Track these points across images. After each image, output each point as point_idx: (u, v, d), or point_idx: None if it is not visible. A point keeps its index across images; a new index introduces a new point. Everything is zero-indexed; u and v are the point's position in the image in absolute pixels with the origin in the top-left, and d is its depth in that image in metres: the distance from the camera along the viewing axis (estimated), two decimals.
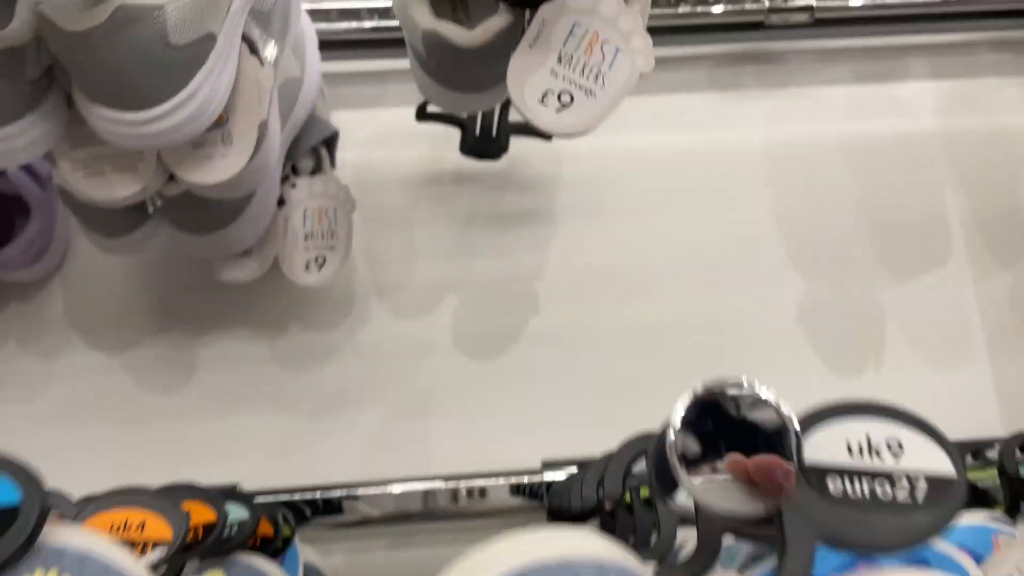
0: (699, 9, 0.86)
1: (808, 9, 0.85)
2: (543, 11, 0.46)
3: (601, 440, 0.53)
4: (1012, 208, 0.89)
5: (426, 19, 0.48)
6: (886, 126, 0.91)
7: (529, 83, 0.45)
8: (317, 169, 0.75)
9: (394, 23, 0.80)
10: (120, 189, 0.52)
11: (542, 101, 0.45)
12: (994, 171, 0.89)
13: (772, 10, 0.86)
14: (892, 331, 0.85)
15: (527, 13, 0.48)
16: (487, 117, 0.76)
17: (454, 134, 0.76)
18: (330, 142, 0.76)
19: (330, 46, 0.82)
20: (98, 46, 0.43)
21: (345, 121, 0.84)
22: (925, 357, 0.85)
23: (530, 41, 0.46)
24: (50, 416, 0.79)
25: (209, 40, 0.48)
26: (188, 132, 0.49)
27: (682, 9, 0.84)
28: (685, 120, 0.90)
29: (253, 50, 0.54)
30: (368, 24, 0.84)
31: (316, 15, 0.81)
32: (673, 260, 0.85)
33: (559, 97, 0.45)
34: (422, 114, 0.77)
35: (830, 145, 0.90)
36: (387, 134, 0.87)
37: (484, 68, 0.50)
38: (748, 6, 0.86)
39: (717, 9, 0.86)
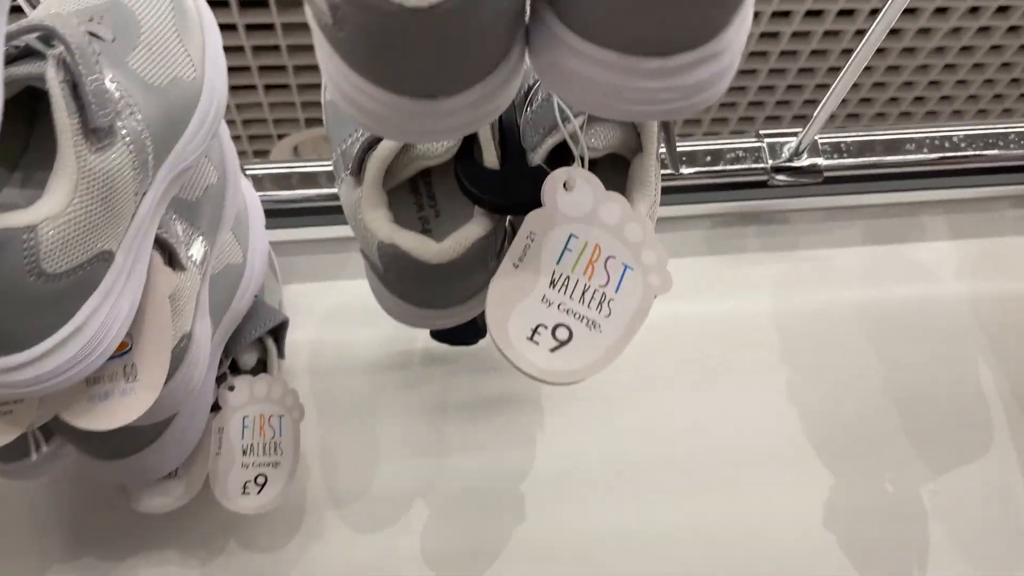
0: (697, 169, 0.78)
1: (815, 170, 0.77)
2: (531, 220, 0.36)
3: None
4: None
5: (383, 229, 0.38)
6: (906, 291, 0.82)
7: (515, 315, 0.35)
8: (261, 364, 0.64)
9: None
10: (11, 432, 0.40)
11: (531, 338, 0.34)
12: None
13: (776, 169, 0.78)
14: (934, 532, 0.73)
15: (508, 221, 0.38)
16: None
17: None
18: (278, 331, 0.65)
19: (282, 213, 0.73)
20: None
21: (298, 295, 0.74)
22: (976, 563, 0.72)
23: (515, 259, 0.36)
24: None
25: (103, 259, 0.37)
26: (75, 375, 0.37)
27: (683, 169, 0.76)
28: (682, 288, 0.80)
29: (171, 258, 0.43)
30: (326, 191, 0.74)
31: (277, 180, 0.72)
32: (676, 452, 0.74)
33: (554, 332, 0.35)
34: None
35: (846, 314, 0.80)
36: (347, 309, 0.77)
37: (455, 284, 0.39)
38: (751, 165, 0.78)
39: (717, 168, 0.78)
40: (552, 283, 0.35)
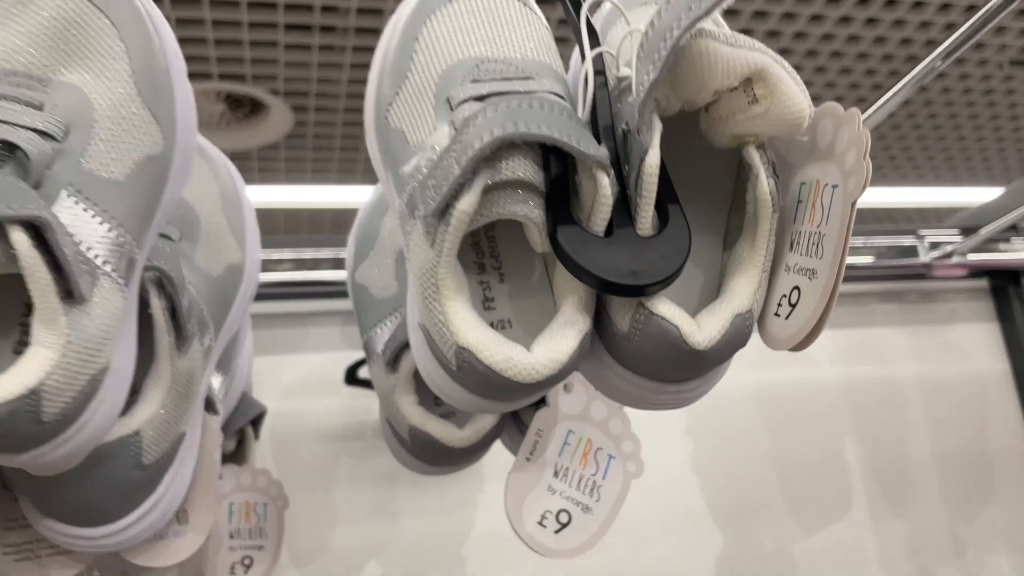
0: None
1: None
2: (538, 419, 0.45)
3: None
4: (902, 456, 0.96)
5: (416, 417, 0.46)
6: (792, 374, 0.96)
7: (527, 504, 0.44)
8: (239, 450, 0.70)
9: (318, 275, 0.78)
10: (54, 571, 0.47)
11: (540, 523, 0.44)
12: (886, 419, 0.96)
13: None
14: None
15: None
16: None
17: None
18: (256, 420, 0.71)
19: None
20: (67, 478, 0.39)
21: (261, 367, 0.80)
22: None
23: (527, 453, 0.45)
24: None
25: (180, 440, 0.44)
26: (151, 534, 0.44)
27: None
28: None
29: (210, 405, 0.50)
30: (291, 275, 0.80)
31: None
32: None
33: (557, 517, 0.44)
34: (352, 379, 0.75)
35: (745, 392, 0.94)
36: (306, 382, 0.83)
37: (470, 456, 0.48)
38: None
39: None
40: (555, 474, 0.45)
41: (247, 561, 0.66)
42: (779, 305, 0.33)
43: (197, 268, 0.44)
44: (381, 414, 0.52)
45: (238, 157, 1.78)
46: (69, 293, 0.31)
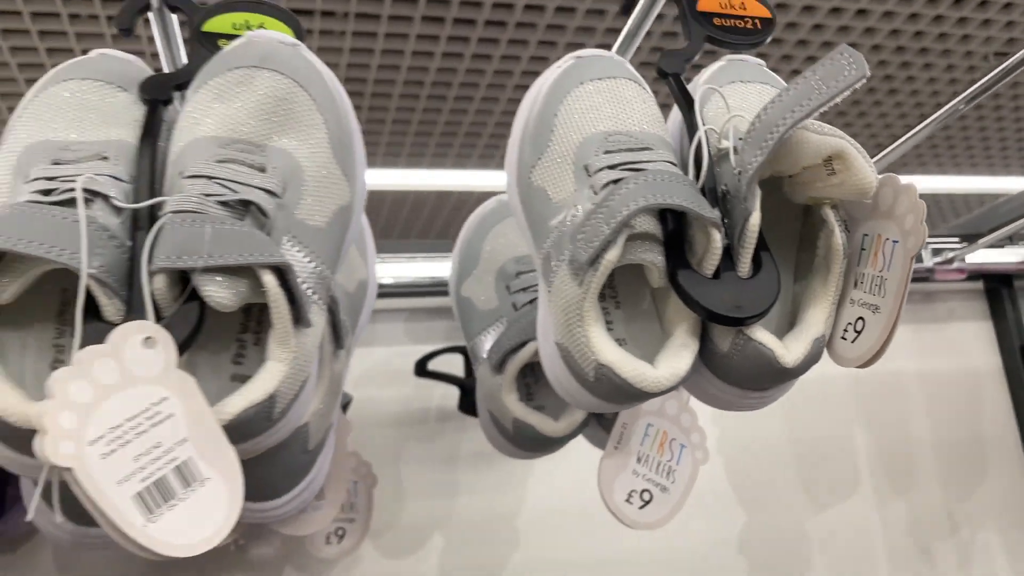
0: None
1: None
2: (623, 415, 0.54)
3: None
4: (904, 442, 1.06)
5: (519, 411, 0.55)
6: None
7: (616, 485, 0.53)
8: None
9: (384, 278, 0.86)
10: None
11: (627, 500, 0.53)
12: (890, 408, 1.06)
13: None
14: (814, 556, 0.98)
15: None
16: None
17: None
18: (344, 406, 0.80)
19: None
20: (250, 461, 0.47)
21: None
22: (843, 574, 0.98)
23: (615, 443, 0.54)
24: None
25: (329, 430, 0.52)
26: (302, 508, 0.53)
27: None
28: None
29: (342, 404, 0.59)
30: None
31: None
32: None
33: (641, 495, 0.54)
34: (422, 371, 0.84)
35: None
36: (375, 373, 0.92)
37: (560, 443, 0.58)
38: None
39: None
40: (638, 460, 0.54)
41: (340, 532, 0.75)
42: (845, 331, 0.42)
43: (339, 286, 0.52)
44: (481, 407, 0.61)
45: None
46: (298, 319, 0.39)
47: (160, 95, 0.43)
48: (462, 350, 0.86)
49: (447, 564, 0.88)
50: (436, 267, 0.88)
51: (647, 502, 0.53)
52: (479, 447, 0.93)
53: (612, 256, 0.38)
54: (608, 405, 0.43)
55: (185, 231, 0.37)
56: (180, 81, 0.44)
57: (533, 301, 0.57)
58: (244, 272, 0.38)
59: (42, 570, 0.79)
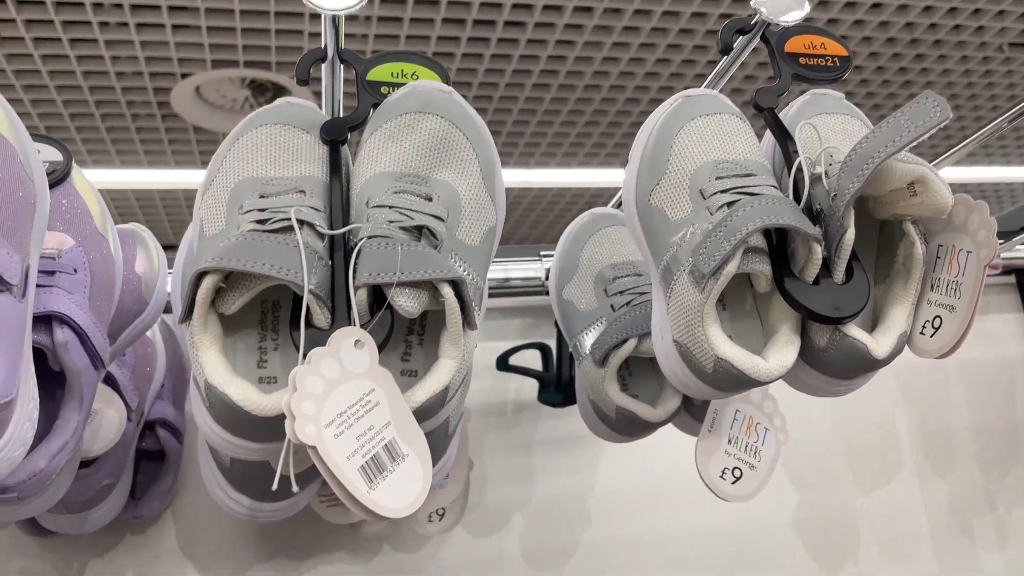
0: None
1: None
2: (715, 401, 0.62)
3: None
4: (945, 427, 1.13)
5: (621, 399, 0.63)
6: None
7: (711, 463, 0.61)
8: None
9: None
10: (353, 516, 0.64)
11: (721, 476, 0.61)
12: (931, 395, 1.13)
13: None
14: (862, 533, 1.06)
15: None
16: (563, 372, 0.91)
17: None
18: None
19: None
20: None
21: None
22: (888, 552, 1.06)
23: (708, 426, 0.62)
24: None
25: (462, 415, 0.60)
26: (435, 484, 0.61)
27: None
28: None
29: None
30: None
31: None
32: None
33: (732, 472, 0.61)
34: (503, 365, 0.92)
35: None
36: None
37: (655, 428, 0.65)
38: None
39: None
40: (729, 441, 0.62)
41: (440, 512, 0.83)
42: (923, 327, 0.50)
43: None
44: (582, 397, 0.69)
45: None
46: (467, 323, 0.47)
47: (339, 136, 0.51)
48: (540, 346, 0.94)
49: (527, 543, 0.97)
50: (509, 269, 0.95)
51: (738, 478, 0.61)
52: (552, 435, 1.01)
53: (731, 268, 0.46)
54: (719, 393, 0.51)
55: (381, 253, 0.45)
56: (353, 124, 0.51)
57: (629, 303, 0.65)
58: (425, 285, 0.46)
59: (168, 549, 0.88)
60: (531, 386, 0.98)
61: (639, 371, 0.67)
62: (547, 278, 0.94)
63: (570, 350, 0.68)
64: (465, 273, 0.49)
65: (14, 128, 0.47)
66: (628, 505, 1.00)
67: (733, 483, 0.61)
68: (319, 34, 1.48)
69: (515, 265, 0.90)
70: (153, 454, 0.82)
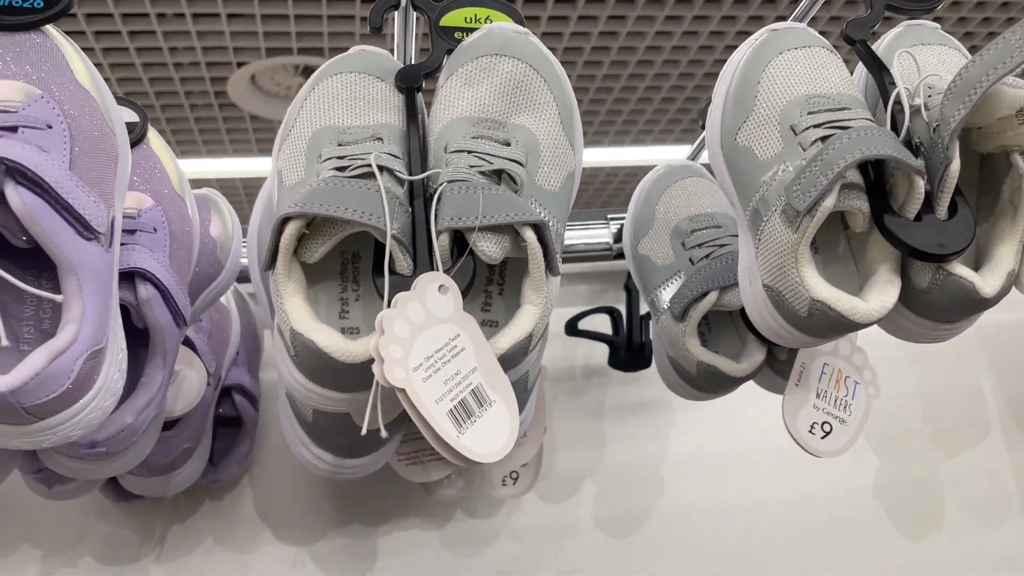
0: None
1: None
2: (801, 355, 0.60)
3: None
4: None
5: (704, 355, 0.61)
6: None
7: (800, 417, 0.59)
8: None
9: None
10: (434, 473, 0.63)
11: (810, 431, 0.59)
12: (1015, 358, 1.08)
13: None
14: (947, 500, 1.02)
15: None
16: (634, 335, 0.89)
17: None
18: None
19: None
20: None
21: None
22: (976, 518, 1.02)
23: (795, 380, 0.60)
24: None
25: (540, 373, 0.59)
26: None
27: None
28: None
29: None
30: None
31: None
32: (774, 441, 0.99)
33: (822, 427, 0.59)
34: (572, 330, 0.90)
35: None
36: None
37: (739, 383, 0.64)
38: None
39: None
40: (818, 395, 0.60)
41: (515, 475, 0.82)
42: (812, 427, 0.51)
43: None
44: (660, 354, 0.67)
45: None
46: (550, 269, 0.46)
47: (414, 83, 0.50)
48: (609, 310, 0.92)
49: (599, 508, 0.95)
50: (575, 234, 0.94)
51: (828, 433, 0.59)
52: (623, 400, 1.00)
53: (828, 203, 0.44)
54: (812, 340, 0.48)
55: (462, 197, 0.44)
56: (428, 70, 0.50)
57: (709, 255, 0.63)
58: (507, 229, 0.45)
59: (245, 515, 0.89)
60: (600, 351, 0.96)
61: (719, 326, 0.65)
62: (616, 241, 0.92)
63: (646, 306, 0.66)
64: (546, 218, 0.48)
65: (96, 83, 0.47)
66: (702, 472, 0.98)
67: (823, 438, 0.59)
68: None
69: (582, 231, 0.89)
70: (229, 420, 0.83)
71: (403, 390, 0.40)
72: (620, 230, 0.91)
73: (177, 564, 0.87)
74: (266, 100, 1.93)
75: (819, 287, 0.45)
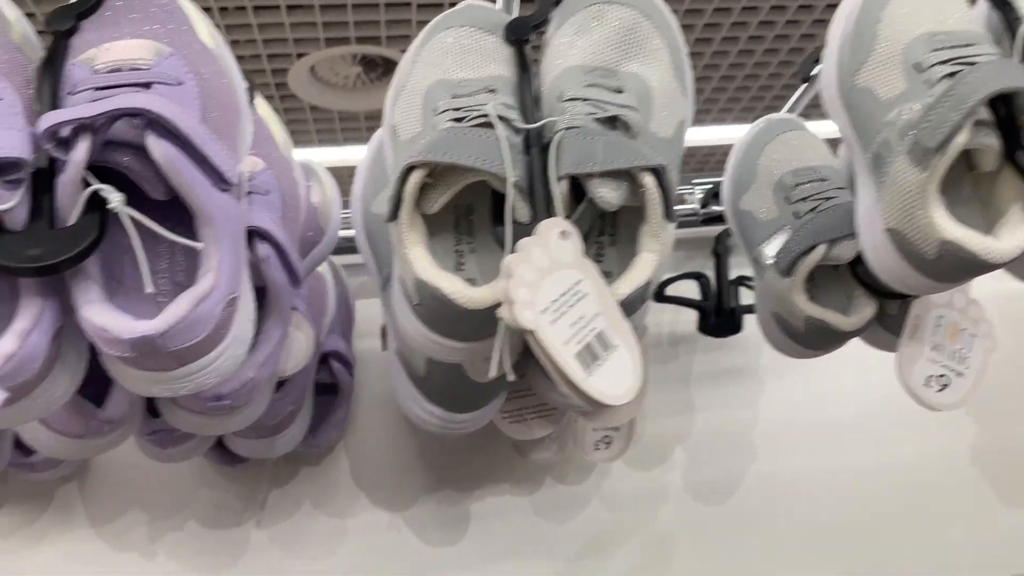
0: None
1: None
2: (915, 307, 0.59)
3: None
4: None
5: (810, 308, 0.60)
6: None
7: (914, 370, 0.58)
8: None
9: None
10: (537, 431, 0.64)
11: (925, 384, 0.58)
12: None
13: None
14: None
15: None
16: (724, 300, 0.88)
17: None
18: None
19: None
20: None
21: None
22: None
23: (909, 333, 0.58)
24: (343, 571, 0.89)
25: (644, 329, 0.59)
26: None
27: None
28: None
29: None
30: None
31: None
32: (865, 410, 0.97)
33: (938, 380, 0.58)
34: (660, 296, 0.89)
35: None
36: None
37: (848, 338, 0.62)
38: None
39: None
40: (933, 348, 0.58)
41: (607, 440, 0.82)
42: (928, 381, 0.49)
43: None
44: (764, 311, 0.66)
45: (371, 116, 1.88)
46: (667, 215, 0.46)
47: (523, 35, 0.50)
48: (697, 276, 0.91)
49: (690, 476, 0.95)
50: None
51: (944, 386, 0.58)
52: (712, 367, 0.99)
53: (961, 140, 0.43)
54: (938, 285, 0.47)
55: (581, 143, 0.44)
56: (537, 22, 0.50)
57: (815, 209, 0.61)
58: (625, 175, 0.45)
59: (341, 480, 0.91)
60: (687, 318, 0.95)
61: (825, 281, 0.64)
62: (703, 206, 0.91)
63: (735, 271, 0.65)
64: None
65: (218, 44, 0.49)
66: (794, 440, 0.96)
67: (939, 391, 0.58)
68: (427, 6, 1.47)
69: None
70: (326, 387, 0.85)
71: (532, 331, 0.40)
72: (706, 195, 0.90)
73: (277, 528, 0.89)
74: (325, 90, 1.95)
75: (950, 227, 0.44)
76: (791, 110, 0.72)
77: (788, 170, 0.64)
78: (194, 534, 0.89)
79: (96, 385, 0.51)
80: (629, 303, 0.45)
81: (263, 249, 0.53)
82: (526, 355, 0.56)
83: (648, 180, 0.44)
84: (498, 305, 0.43)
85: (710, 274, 0.91)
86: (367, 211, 0.63)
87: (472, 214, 0.50)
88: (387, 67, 1.77)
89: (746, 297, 0.88)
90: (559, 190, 0.44)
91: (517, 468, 0.92)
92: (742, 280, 0.88)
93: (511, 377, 0.42)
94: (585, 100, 0.46)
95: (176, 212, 0.43)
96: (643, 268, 0.45)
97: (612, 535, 0.92)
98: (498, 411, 0.63)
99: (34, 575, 0.86)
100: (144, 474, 0.88)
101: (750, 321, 0.96)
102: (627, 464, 0.94)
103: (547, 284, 0.41)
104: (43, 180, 0.39)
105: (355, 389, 0.89)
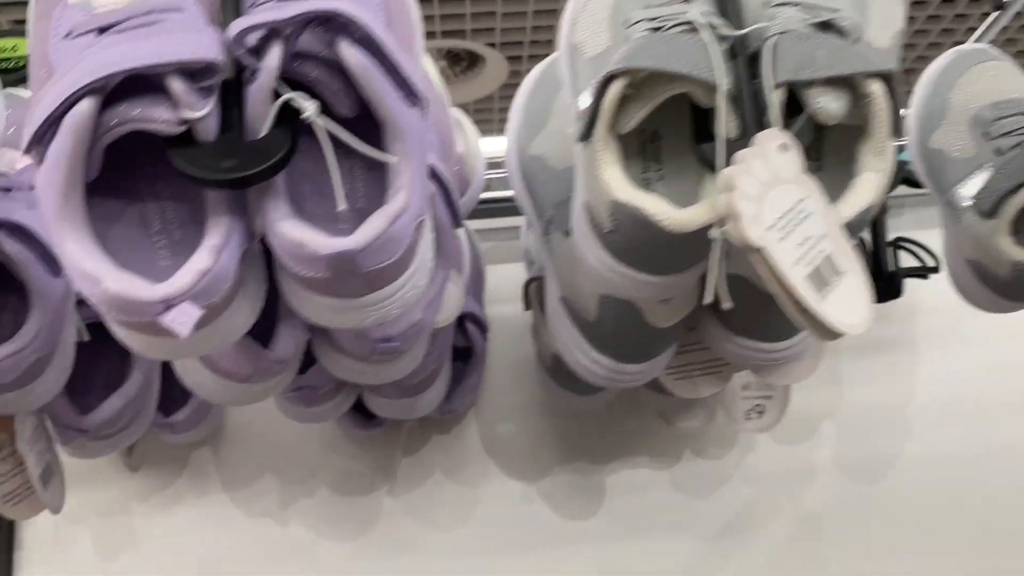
0: None
1: None
2: None
3: None
4: None
5: (1018, 252, 0.54)
6: None
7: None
8: None
9: None
10: (704, 390, 0.59)
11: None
12: None
13: None
14: None
15: None
16: (881, 263, 0.82)
17: None
18: None
19: None
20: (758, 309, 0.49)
21: None
22: None
23: None
24: (475, 541, 0.86)
25: None
26: (796, 356, 0.55)
27: None
28: None
29: None
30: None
31: None
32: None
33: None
34: None
35: None
36: None
37: None
38: None
39: None
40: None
41: (760, 409, 0.77)
42: None
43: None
44: (956, 259, 0.60)
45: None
46: (895, 128, 0.41)
47: None
48: None
49: (840, 453, 0.89)
50: None
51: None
52: (861, 338, 0.91)
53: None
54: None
55: (799, 47, 0.40)
56: None
57: (1020, 144, 0.55)
58: (846, 85, 0.40)
59: (472, 449, 0.88)
60: None
61: None
62: None
63: (942, 205, 0.59)
64: None
65: None
66: (952, 417, 0.89)
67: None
68: None
69: None
70: (459, 351, 0.82)
71: (760, 249, 0.36)
72: None
73: (409, 496, 0.87)
74: None
75: None
76: (980, 39, 0.66)
77: (987, 103, 0.58)
78: (325, 500, 0.87)
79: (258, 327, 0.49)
80: (854, 225, 0.41)
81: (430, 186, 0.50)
82: (699, 309, 0.53)
83: (876, 88, 0.39)
84: (704, 229, 0.39)
85: (865, 235, 0.85)
86: (523, 153, 0.59)
87: (659, 140, 0.46)
88: (471, 60, 1.76)
89: (905, 260, 0.82)
90: (775, 99, 0.39)
91: (654, 440, 0.88)
92: (900, 241, 0.82)
93: (726, 305, 0.38)
94: (796, 4, 0.42)
95: (360, 130, 0.40)
96: (867, 189, 0.41)
97: (755, 514, 0.87)
98: (664, 368, 0.59)
99: (171, 537, 0.86)
100: (274, 441, 0.87)
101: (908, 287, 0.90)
102: (771, 439, 0.89)
103: (770, 199, 0.37)
104: (231, 92, 0.37)
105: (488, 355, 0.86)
